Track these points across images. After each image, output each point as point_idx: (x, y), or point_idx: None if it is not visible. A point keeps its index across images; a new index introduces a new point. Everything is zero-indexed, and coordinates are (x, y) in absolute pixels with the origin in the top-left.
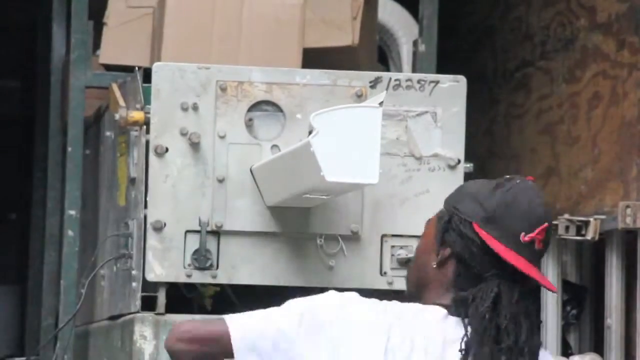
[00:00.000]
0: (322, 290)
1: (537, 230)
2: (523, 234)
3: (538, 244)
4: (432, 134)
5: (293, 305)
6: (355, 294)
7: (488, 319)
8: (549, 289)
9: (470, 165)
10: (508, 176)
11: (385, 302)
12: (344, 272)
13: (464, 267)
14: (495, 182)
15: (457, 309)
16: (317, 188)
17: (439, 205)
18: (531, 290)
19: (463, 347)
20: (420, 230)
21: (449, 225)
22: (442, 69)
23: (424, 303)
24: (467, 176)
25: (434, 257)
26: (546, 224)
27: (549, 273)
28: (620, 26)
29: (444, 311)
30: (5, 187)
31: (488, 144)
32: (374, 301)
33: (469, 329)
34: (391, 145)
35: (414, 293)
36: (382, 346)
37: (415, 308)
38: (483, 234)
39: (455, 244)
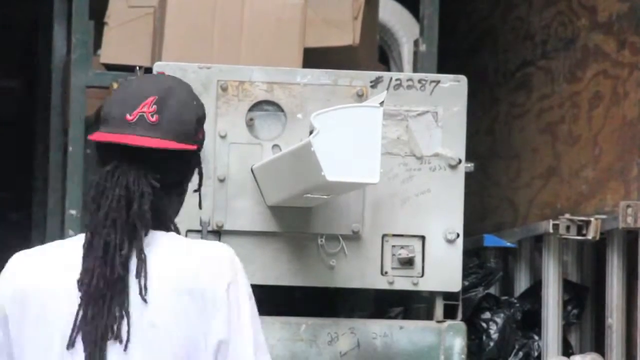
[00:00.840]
0: (322, 290)
1: (141, 105)
2: (127, 114)
3: (150, 118)
4: (433, 133)
5: None
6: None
7: (88, 207)
8: (125, 143)
9: (471, 165)
10: None
11: None
12: (345, 271)
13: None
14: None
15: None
16: (318, 188)
17: (440, 205)
18: (138, 165)
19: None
20: (421, 230)
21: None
22: (443, 68)
23: None
24: (468, 176)
25: None
26: (152, 97)
27: (550, 273)
28: (621, 26)
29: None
30: (7, 187)
31: (489, 143)
32: None
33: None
34: (392, 144)
35: None
36: None
37: None
38: (94, 135)
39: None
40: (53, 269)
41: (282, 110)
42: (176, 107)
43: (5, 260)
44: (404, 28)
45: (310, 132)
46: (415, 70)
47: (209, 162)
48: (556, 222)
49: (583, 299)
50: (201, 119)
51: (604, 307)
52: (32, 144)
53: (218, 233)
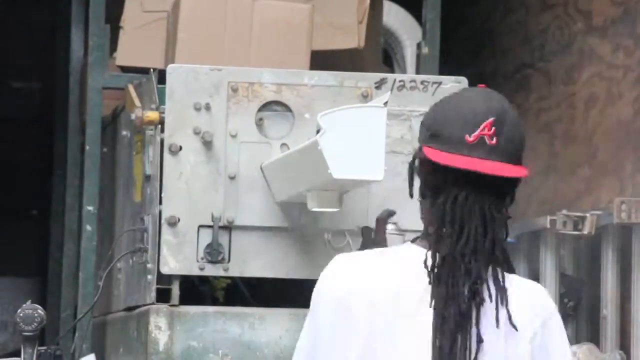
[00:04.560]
0: None
1: (481, 127)
2: (467, 135)
3: (490, 140)
4: None
5: None
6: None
7: (436, 228)
8: (486, 172)
9: None
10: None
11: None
12: None
13: (432, 194)
14: (440, 99)
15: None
16: (325, 185)
17: None
18: (487, 191)
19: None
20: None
21: (414, 161)
22: (444, 70)
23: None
24: None
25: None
26: (491, 119)
27: (547, 266)
28: (615, 30)
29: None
30: (27, 184)
31: None
32: None
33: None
34: (396, 143)
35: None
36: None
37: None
38: (428, 151)
39: (421, 175)
40: (374, 276)
41: (290, 111)
42: (511, 129)
43: (27, 253)
44: (407, 31)
45: (317, 132)
46: (417, 72)
47: (220, 160)
48: (553, 217)
49: (579, 291)
50: (525, 138)
51: (599, 299)
52: (51, 143)
53: (229, 228)
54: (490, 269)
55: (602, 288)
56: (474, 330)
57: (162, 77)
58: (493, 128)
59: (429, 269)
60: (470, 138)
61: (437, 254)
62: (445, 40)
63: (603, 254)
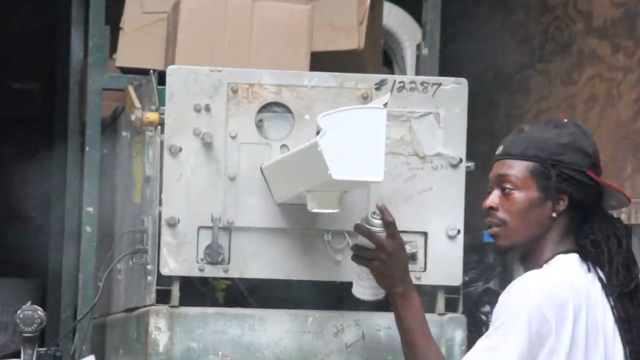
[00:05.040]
0: (328, 284)
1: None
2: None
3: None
4: (435, 134)
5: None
6: None
7: (617, 259)
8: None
9: (471, 164)
10: (565, 120)
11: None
12: (350, 266)
13: (577, 211)
14: (574, 127)
15: (586, 252)
16: (325, 186)
17: (442, 202)
18: None
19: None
20: (423, 227)
21: (561, 177)
22: (444, 71)
23: (539, 255)
24: (469, 174)
25: (548, 209)
26: None
27: None
28: (615, 31)
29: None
30: (26, 185)
31: (489, 143)
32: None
33: (600, 272)
34: (396, 144)
35: (526, 249)
36: None
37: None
38: (597, 178)
39: (573, 192)
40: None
41: (290, 112)
42: None
43: (26, 255)
44: (407, 33)
45: (317, 133)
46: (417, 73)
47: (220, 161)
48: None
49: None
50: None
51: None
52: (51, 144)
53: (229, 230)
54: None
55: None
56: None
57: (162, 78)
58: None
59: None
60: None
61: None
62: (445, 41)
63: None
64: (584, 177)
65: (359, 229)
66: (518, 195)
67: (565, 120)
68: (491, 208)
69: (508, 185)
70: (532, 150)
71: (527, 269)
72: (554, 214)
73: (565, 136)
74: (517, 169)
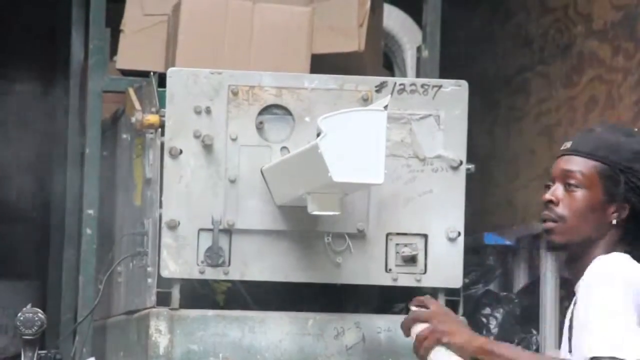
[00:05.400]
0: (328, 286)
1: None
2: None
3: None
4: (435, 136)
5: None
6: None
7: None
8: None
9: (471, 166)
10: (634, 129)
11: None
12: (351, 268)
13: (635, 223)
14: None
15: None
16: (325, 188)
17: (442, 205)
18: None
19: None
20: (424, 229)
21: (629, 185)
22: (444, 73)
23: (587, 259)
24: (469, 177)
25: (609, 214)
26: None
27: (548, 269)
28: (615, 33)
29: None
30: (27, 187)
31: (489, 145)
32: None
33: None
34: (396, 147)
35: (578, 250)
36: None
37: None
38: None
39: (637, 202)
40: None
41: (291, 114)
42: None
43: (27, 257)
44: (407, 35)
45: (318, 135)
46: (418, 75)
47: (220, 163)
48: None
49: None
50: None
51: None
52: (51, 145)
53: (229, 232)
54: None
55: None
56: None
57: (162, 80)
58: None
59: None
60: None
61: None
62: (445, 43)
63: None
64: None
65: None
66: (582, 193)
67: (637, 129)
68: (551, 202)
69: (573, 182)
70: (603, 152)
71: (572, 272)
72: (614, 221)
73: (638, 144)
74: (584, 167)
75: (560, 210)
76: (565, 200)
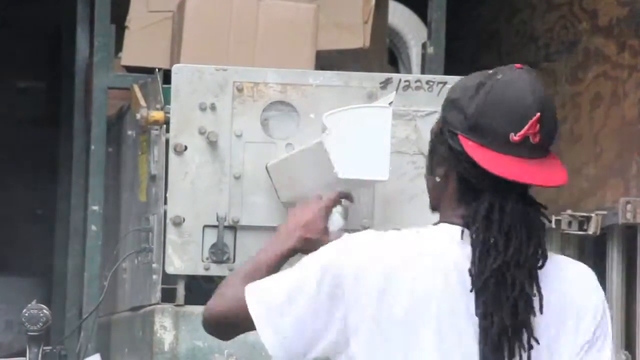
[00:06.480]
0: None
1: (527, 126)
2: (512, 134)
3: (534, 138)
4: None
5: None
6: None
7: (482, 236)
8: (540, 185)
9: None
10: (492, 70)
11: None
12: None
13: (463, 181)
14: (478, 81)
15: (465, 226)
16: (330, 185)
17: None
18: (529, 197)
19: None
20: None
21: (441, 137)
22: (449, 70)
23: (439, 221)
24: None
25: (437, 172)
26: (537, 115)
27: None
28: (621, 29)
29: (455, 231)
30: (32, 184)
31: None
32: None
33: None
34: (401, 143)
35: (436, 211)
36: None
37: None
38: (468, 144)
39: (449, 158)
40: (406, 257)
41: (296, 111)
42: (552, 121)
43: (32, 253)
44: (412, 31)
45: (323, 132)
46: (423, 72)
47: (225, 160)
48: (558, 217)
49: None
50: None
51: None
52: (56, 142)
53: (234, 228)
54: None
55: (607, 288)
56: (518, 344)
57: (167, 77)
58: (538, 125)
59: (473, 277)
60: (515, 137)
61: (484, 263)
62: (450, 40)
63: (608, 254)
64: (456, 141)
65: None
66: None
67: (500, 75)
68: None
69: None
70: (444, 102)
71: None
72: (437, 179)
73: (465, 89)
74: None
75: None
76: None
